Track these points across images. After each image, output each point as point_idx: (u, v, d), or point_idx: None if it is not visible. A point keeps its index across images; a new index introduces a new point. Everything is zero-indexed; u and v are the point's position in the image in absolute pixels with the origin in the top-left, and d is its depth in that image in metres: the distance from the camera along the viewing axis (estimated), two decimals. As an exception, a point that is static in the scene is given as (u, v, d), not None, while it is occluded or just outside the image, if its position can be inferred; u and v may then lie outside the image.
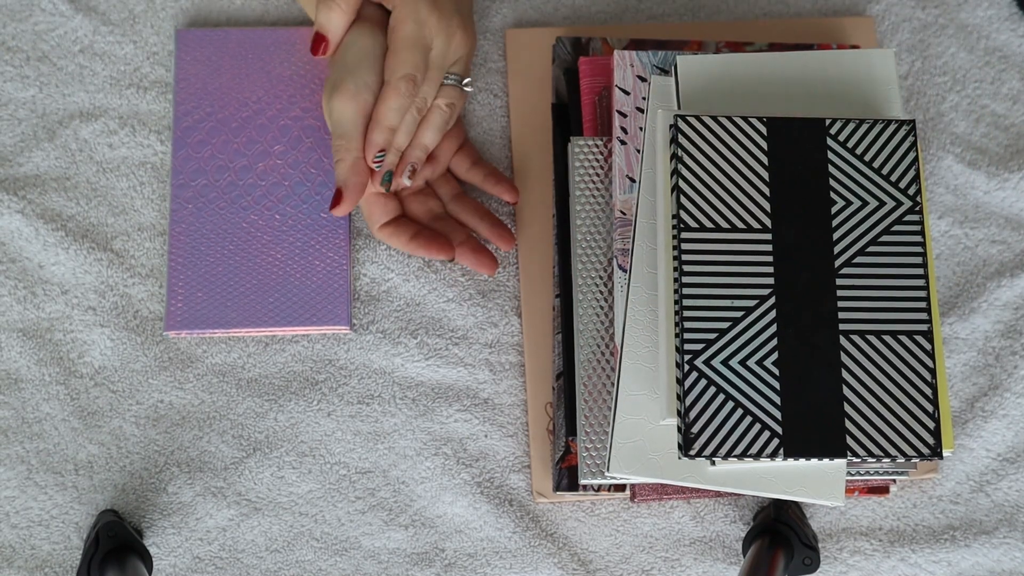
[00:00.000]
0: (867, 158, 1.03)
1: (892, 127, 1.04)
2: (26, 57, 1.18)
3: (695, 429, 0.98)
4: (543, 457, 1.10)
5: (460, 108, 1.10)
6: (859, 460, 0.98)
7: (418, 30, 1.06)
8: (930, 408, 0.99)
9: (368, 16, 1.08)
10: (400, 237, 1.09)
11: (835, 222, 1.02)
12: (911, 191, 1.03)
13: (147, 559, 1.04)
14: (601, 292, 1.08)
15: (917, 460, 1.01)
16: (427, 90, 1.07)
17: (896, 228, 1.02)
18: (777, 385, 0.98)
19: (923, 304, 1.01)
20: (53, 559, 1.07)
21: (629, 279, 1.04)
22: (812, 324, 1.00)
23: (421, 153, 1.09)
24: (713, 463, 1.00)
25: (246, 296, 1.12)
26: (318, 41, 1.08)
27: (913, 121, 1.04)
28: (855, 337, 1.00)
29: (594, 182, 1.11)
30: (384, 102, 1.06)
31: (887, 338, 1.00)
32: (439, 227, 1.11)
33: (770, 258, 1.01)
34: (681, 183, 1.02)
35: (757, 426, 0.98)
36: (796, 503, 1.08)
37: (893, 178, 1.03)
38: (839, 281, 1.01)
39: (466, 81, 1.10)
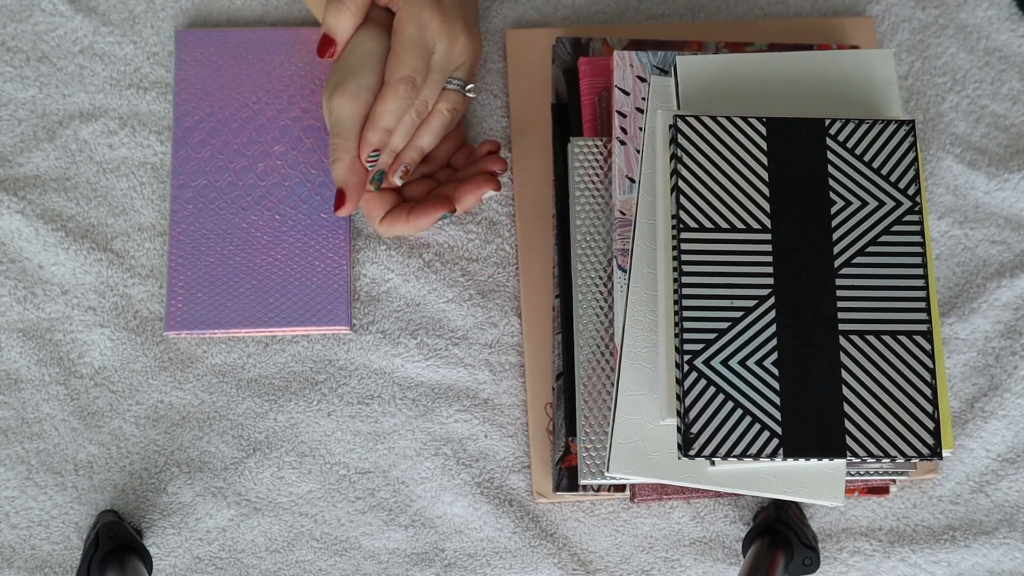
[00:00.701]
0: (867, 158, 1.03)
1: (892, 127, 1.04)
2: (26, 57, 1.18)
3: (695, 429, 0.98)
4: (543, 457, 1.10)
5: (462, 113, 1.10)
6: (859, 460, 0.98)
7: (420, 33, 1.06)
8: (930, 408, 0.99)
9: (374, 18, 1.08)
10: (398, 221, 1.08)
11: (835, 222, 1.02)
12: (911, 191, 1.03)
13: (147, 559, 1.04)
14: (601, 292, 1.08)
15: (917, 460, 1.01)
16: (428, 93, 1.07)
17: (896, 228, 1.02)
18: (777, 385, 0.98)
19: (923, 304, 1.01)
20: (53, 559, 1.08)
21: (629, 279, 1.04)
22: (812, 324, 1.00)
23: (416, 155, 1.09)
24: (713, 463, 1.00)
25: (246, 296, 1.12)
26: (325, 43, 1.08)
27: (913, 121, 1.04)
28: (855, 337, 1.00)
29: (594, 182, 1.11)
30: (381, 103, 1.06)
31: (887, 338, 1.00)
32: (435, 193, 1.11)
33: (770, 258, 1.01)
34: (681, 183, 1.02)
35: (757, 426, 0.98)
36: (796, 503, 1.08)
37: (893, 178, 1.03)
38: (839, 281, 1.01)
39: (469, 87, 1.10)
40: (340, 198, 1.07)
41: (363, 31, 1.08)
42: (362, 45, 1.07)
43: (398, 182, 1.08)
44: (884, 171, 1.03)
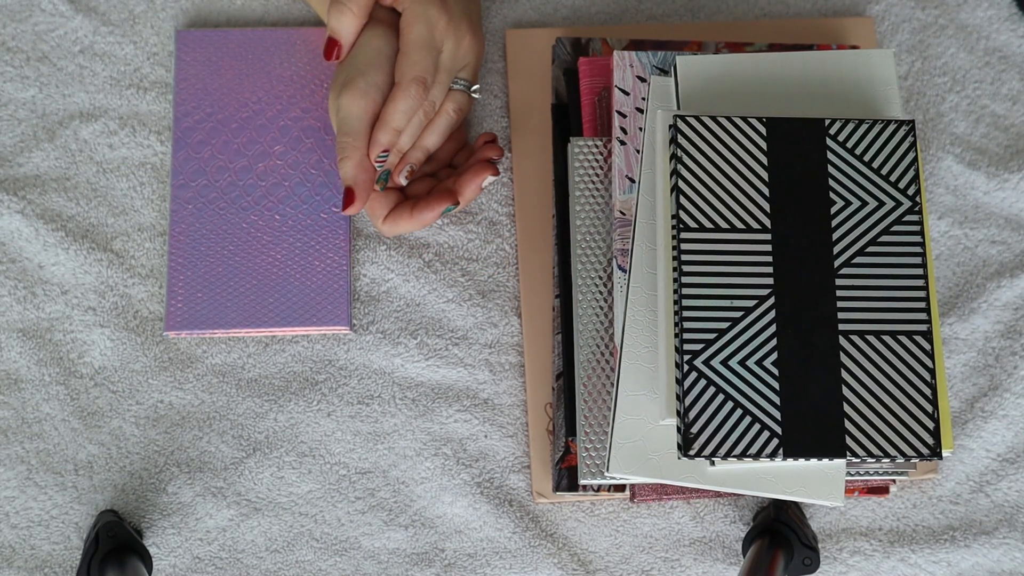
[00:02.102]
0: (867, 158, 1.03)
1: (892, 127, 1.04)
2: (26, 57, 1.18)
3: (695, 429, 0.98)
4: (543, 457, 1.10)
5: (466, 113, 1.10)
6: (859, 460, 0.98)
7: (428, 32, 1.06)
8: (930, 408, 0.99)
9: (380, 18, 1.08)
10: (401, 218, 1.08)
11: (834, 222, 1.02)
12: (910, 191, 1.03)
13: (147, 559, 1.04)
14: (601, 292, 1.08)
15: (917, 460, 1.01)
16: (436, 93, 1.07)
17: (895, 228, 1.02)
18: (776, 385, 0.98)
19: (923, 304, 1.01)
20: (53, 559, 1.08)
21: (629, 279, 1.04)
22: (811, 324, 1.00)
23: (421, 155, 1.09)
24: (713, 463, 1.00)
25: (246, 296, 1.12)
26: (331, 45, 1.07)
27: (912, 121, 1.04)
28: (854, 337, 1.00)
29: (594, 182, 1.11)
30: (393, 103, 1.06)
31: (887, 338, 1.00)
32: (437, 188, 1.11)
33: (769, 258, 1.01)
34: (680, 183, 1.02)
35: (757, 426, 0.98)
36: (796, 503, 1.08)
37: (892, 178, 1.03)
38: (838, 281, 1.01)
39: (474, 88, 1.10)
40: (348, 197, 1.06)
41: (370, 30, 1.08)
42: (369, 44, 1.07)
43: (403, 182, 1.08)
44: (884, 171, 1.03)
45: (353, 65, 1.07)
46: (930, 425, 0.99)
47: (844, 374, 0.99)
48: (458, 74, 1.09)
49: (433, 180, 1.12)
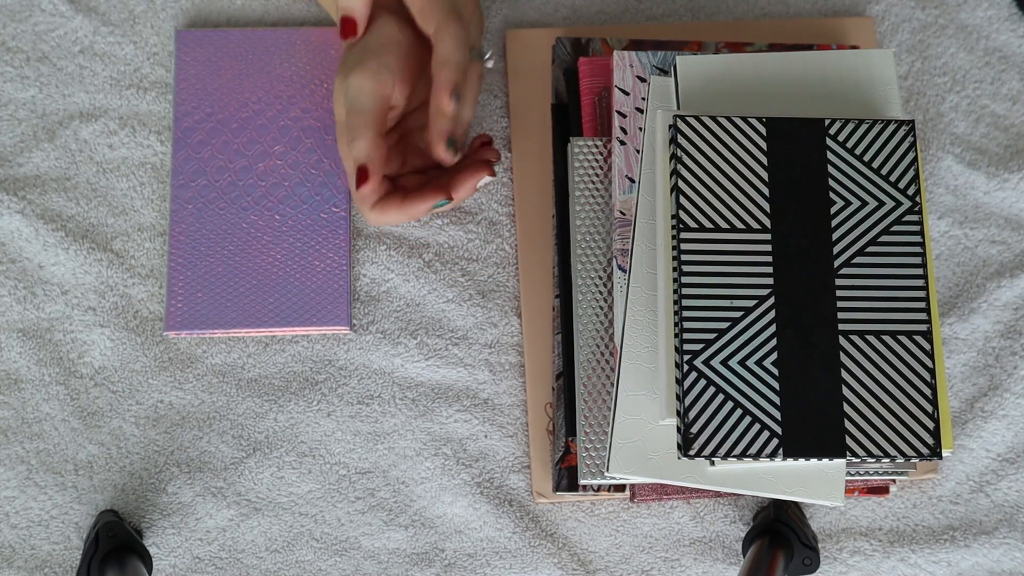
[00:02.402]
0: (866, 158, 1.03)
1: (891, 127, 1.04)
2: (26, 57, 1.18)
3: (694, 429, 0.98)
4: (543, 457, 1.10)
5: (483, 82, 1.11)
6: (859, 460, 0.98)
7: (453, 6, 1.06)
8: (929, 408, 0.99)
9: (386, 5, 1.08)
10: (390, 207, 1.07)
11: (834, 222, 1.02)
12: (910, 191, 1.03)
13: (147, 559, 1.04)
14: (601, 292, 1.08)
15: (916, 460, 1.01)
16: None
17: (895, 228, 1.02)
18: (776, 385, 0.99)
19: (922, 304, 1.01)
20: (53, 559, 1.08)
21: (629, 279, 1.04)
22: (811, 324, 1.00)
23: (466, 128, 1.09)
24: (713, 463, 1.00)
25: (246, 296, 1.12)
26: (347, 24, 1.07)
27: (912, 121, 1.04)
28: (854, 337, 1.00)
29: (594, 182, 1.11)
30: (459, 72, 1.06)
31: (886, 338, 1.00)
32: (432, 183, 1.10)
33: (769, 258, 1.01)
34: (680, 183, 1.02)
35: (756, 426, 0.98)
36: (796, 503, 1.08)
37: (892, 178, 1.03)
38: (838, 281, 1.01)
39: (488, 55, 1.10)
40: (363, 175, 1.04)
41: (383, 18, 1.07)
42: (383, 30, 1.07)
43: (453, 159, 1.07)
44: (884, 171, 1.03)
45: (364, 47, 1.06)
46: (930, 425, 0.99)
47: (844, 374, 0.99)
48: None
49: (424, 177, 1.11)
